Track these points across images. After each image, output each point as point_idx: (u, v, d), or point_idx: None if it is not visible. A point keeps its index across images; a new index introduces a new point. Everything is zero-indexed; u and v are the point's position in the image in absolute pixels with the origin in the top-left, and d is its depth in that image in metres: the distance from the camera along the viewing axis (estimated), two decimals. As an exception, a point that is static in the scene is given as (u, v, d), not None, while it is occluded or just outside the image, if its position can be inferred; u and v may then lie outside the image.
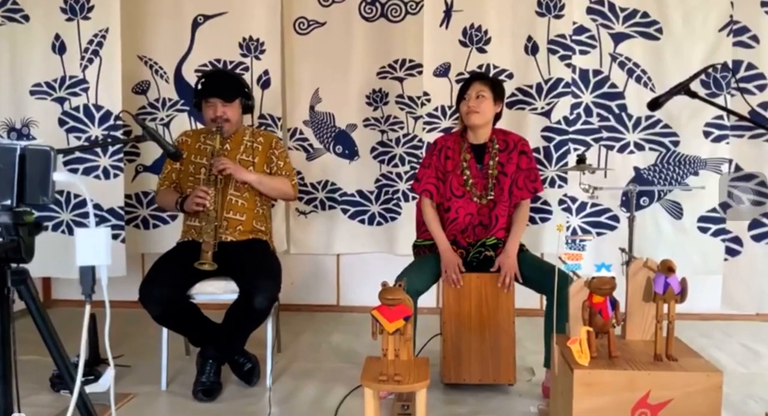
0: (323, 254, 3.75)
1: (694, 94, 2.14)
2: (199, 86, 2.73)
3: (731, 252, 2.92)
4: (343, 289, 3.87)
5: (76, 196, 3.18)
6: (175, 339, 2.69)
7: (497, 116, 2.69)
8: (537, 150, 3.27)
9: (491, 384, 2.54)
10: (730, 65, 2.90)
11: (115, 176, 3.17)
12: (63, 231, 3.21)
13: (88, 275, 1.04)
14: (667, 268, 1.77)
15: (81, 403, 1.19)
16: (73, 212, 3.19)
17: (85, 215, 3.18)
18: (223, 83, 2.70)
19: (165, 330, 2.57)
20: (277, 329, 3.02)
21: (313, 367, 2.86)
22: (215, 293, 2.56)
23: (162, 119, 3.51)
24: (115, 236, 3.16)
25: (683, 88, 2.13)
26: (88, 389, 2.50)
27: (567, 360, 1.81)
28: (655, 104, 2.18)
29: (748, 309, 2.94)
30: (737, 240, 2.89)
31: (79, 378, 1.11)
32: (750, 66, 3.11)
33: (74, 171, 3.17)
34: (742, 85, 2.89)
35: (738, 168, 2.95)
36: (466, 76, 3.29)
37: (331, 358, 3.02)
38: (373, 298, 1.93)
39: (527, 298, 2.77)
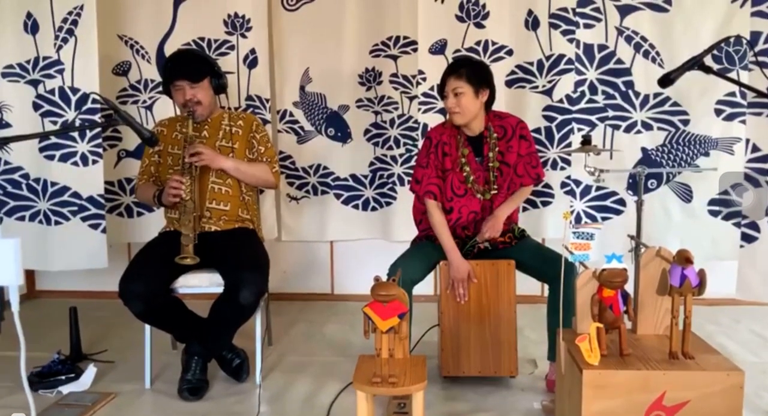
0: (316, 241, 3.62)
1: (708, 69, 1.98)
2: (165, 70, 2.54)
3: (747, 238, 2.76)
4: (337, 277, 3.73)
5: (53, 184, 3.01)
6: (160, 333, 2.56)
7: (489, 102, 2.44)
8: (538, 130, 3.12)
9: (492, 376, 2.42)
10: (747, 38, 2.70)
11: (94, 162, 3.00)
12: (40, 221, 3.04)
13: (-6, 297, 0.89)
14: (685, 259, 1.63)
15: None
16: (50, 201, 3.03)
17: (64, 204, 3.02)
18: (187, 64, 2.50)
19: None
20: (268, 322, 2.89)
21: (306, 361, 2.74)
22: (200, 286, 2.43)
23: (144, 102, 3.34)
24: (95, 226, 3.01)
25: (697, 63, 1.97)
26: (68, 388, 2.42)
27: (575, 359, 1.68)
28: (666, 81, 2.01)
29: (765, 298, 2.78)
30: (754, 226, 2.73)
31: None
32: (770, 37, 2.89)
33: (50, 158, 3.00)
34: (761, 58, 2.69)
35: (756, 148, 2.77)
36: (464, 53, 3.14)
37: (325, 351, 2.89)
38: (368, 286, 1.80)
39: (528, 284, 2.64)
